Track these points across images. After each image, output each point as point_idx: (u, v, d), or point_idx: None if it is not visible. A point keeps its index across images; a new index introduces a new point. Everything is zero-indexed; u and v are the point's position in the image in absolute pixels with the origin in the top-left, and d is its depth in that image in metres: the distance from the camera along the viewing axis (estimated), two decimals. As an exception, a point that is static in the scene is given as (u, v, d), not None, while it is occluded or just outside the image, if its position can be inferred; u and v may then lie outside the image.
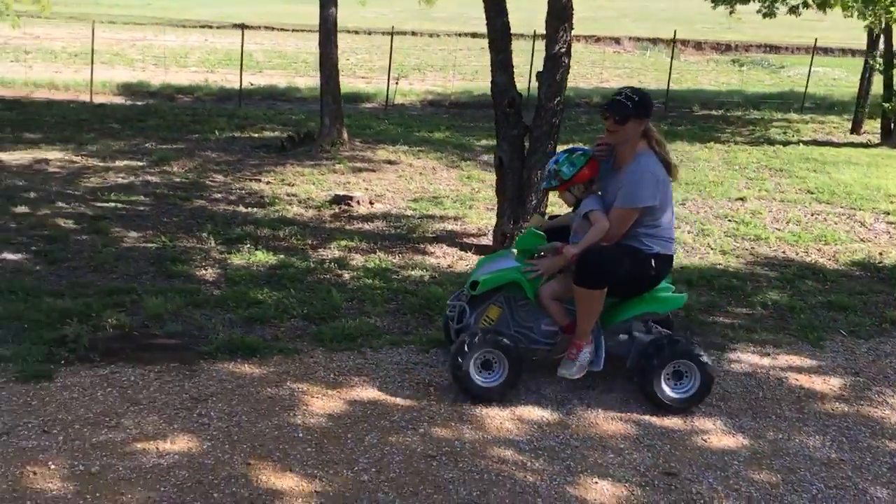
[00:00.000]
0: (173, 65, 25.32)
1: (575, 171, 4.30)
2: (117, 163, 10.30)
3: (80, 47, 29.30)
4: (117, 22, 44.64)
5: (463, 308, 4.51)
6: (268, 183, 9.50)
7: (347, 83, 21.50)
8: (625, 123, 4.16)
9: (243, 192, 9.02)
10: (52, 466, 3.50)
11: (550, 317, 4.36)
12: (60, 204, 7.96)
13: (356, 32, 42.64)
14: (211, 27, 50.49)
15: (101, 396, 4.16)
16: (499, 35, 6.91)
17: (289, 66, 27.67)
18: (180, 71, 23.56)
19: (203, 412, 4.03)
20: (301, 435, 3.86)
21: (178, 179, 9.48)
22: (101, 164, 10.21)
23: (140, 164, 10.31)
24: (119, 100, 17.68)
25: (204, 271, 6.25)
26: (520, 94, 6.94)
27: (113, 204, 8.12)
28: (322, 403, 4.18)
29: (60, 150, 11.00)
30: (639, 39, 40.17)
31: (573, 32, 6.84)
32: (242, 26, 21.54)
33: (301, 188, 9.30)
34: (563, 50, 6.76)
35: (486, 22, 6.98)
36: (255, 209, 8.22)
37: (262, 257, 6.61)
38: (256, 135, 12.97)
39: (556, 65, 6.77)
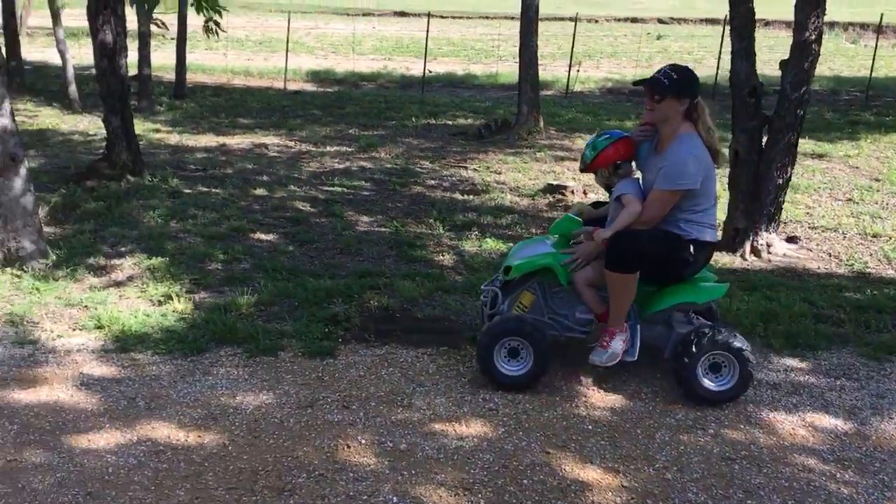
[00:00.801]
0: (351, 52, 26.17)
1: (595, 155, 4.19)
2: (328, 148, 10.76)
3: (260, 36, 30.87)
4: (286, 11, 46.77)
5: (496, 293, 4.38)
6: (475, 170, 9.62)
7: (515, 69, 21.55)
8: (661, 101, 3.98)
9: (454, 178, 9.17)
10: (363, 441, 3.67)
11: (585, 304, 4.21)
12: (292, 187, 8.40)
13: (513, 18, 42.63)
14: (373, 15, 51.90)
15: (386, 375, 4.33)
16: (743, 21, 6.64)
17: (458, 53, 27.97)
18: (359, 59, 24.30)
19: (486, 397, 4.12)
20: (590, 427, 3.86)
21: (388, 165, 9.77)
22: (314, 149, 10.70)
23: (349, 149, 10.72)
24: (309, 87, 18.43)
25: (441, 257, 6.40)
26: (761, 84, 6.65)
27: (338, 188, 8.47)
28: (600, 397, 4.17)
29: (274, 135, 11.62)
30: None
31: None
32: (429, 15, 21.88)
33: (508, 176, 9.36)
34: (814, 37, 6.42)
35: (729, 8, 6.74)
36: (470, 196, 8.34)
37: (493, 245, 6.69)
38: (450, 122, 13.18)
39: (804, 52, 6.44)
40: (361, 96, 16.15)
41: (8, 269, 5.61)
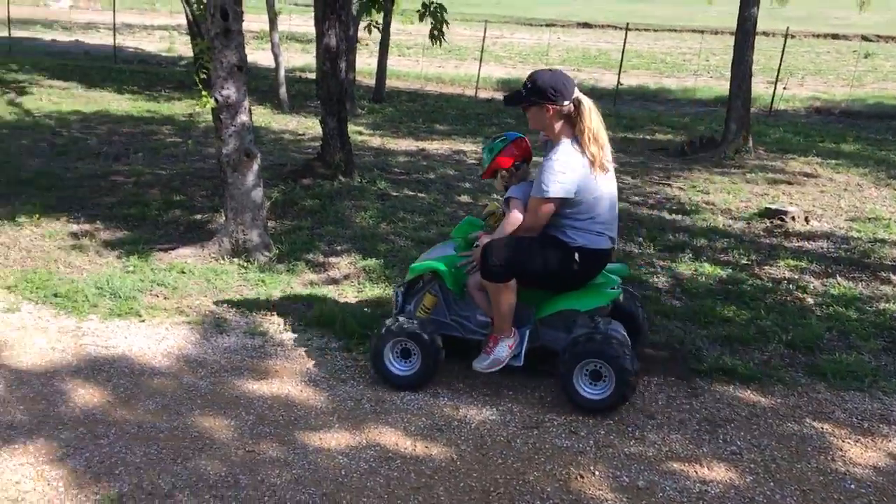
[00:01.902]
0: (539, 62, 26.09)
1: (492, 158, 4.13)
2: (526, 158, 10.63)
3: (448, 44, 31.44)
4: (472, 20, 47.47)
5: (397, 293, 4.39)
6: (680, 189, 9.17)
7: (713, 84, 20.58)
8: (528, 110, 3.89)
9: (659, 196, 8.77)
10: (596, 473, 3.45)
11: (479, 307, 4.10)
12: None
13: (702, 32, 40.98)
14: (557, 25, 51.67)
15: (612, 403, 4.09)
16: None
17: (648, 65, 27.22)
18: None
19: (726, 438, 3.78)
20: (853, 487, 3.44)
21: (589, 178, 9.50)
22: (512, 158, 10.61)
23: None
24: (500, 95, 18.45)
25: (655, 278, 6.07)
26: None
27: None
28: (858, 452, 3.73)
29: (472, 142, 11.66)
30: None
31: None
32: (626, 27, 21.39)
33: (717, 196, 8.84)
34: None
35: None
36: (679, 216, 7.93)
37: (709, 269, 6.28)
38: (649, 137, 12.73)
39: None
40: (554, 107, 15.97)
41: (235, 260, 5.85)
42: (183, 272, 5.58)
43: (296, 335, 4.73)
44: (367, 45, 23.51)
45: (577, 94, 3.86)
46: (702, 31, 41.26)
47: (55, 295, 5.06)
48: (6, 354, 4.24)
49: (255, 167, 5.93)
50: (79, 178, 8.14)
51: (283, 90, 14.17)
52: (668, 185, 9.36)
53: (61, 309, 4.87)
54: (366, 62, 20.30)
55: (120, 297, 5.06)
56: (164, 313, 4.91)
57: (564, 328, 4.15)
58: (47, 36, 27.55)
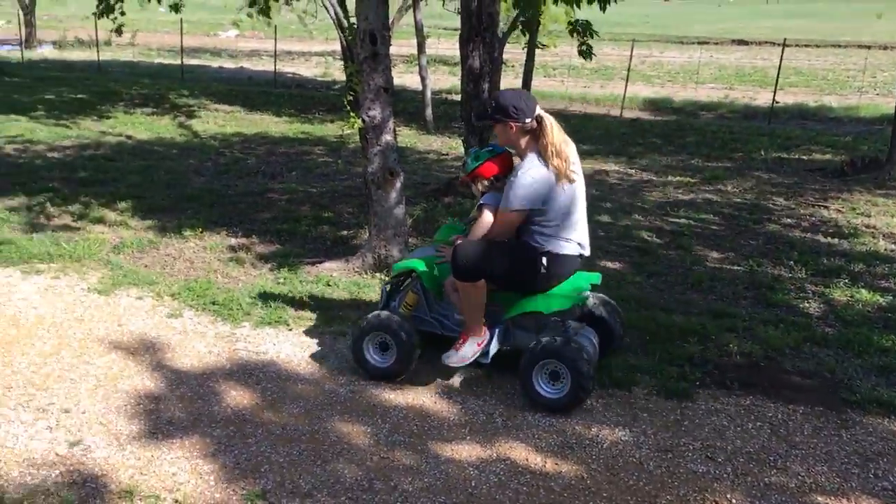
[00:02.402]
0: (689, 81, 25.41)
1: (476, 166, 4.29)
2: (671, 178, 10.39)
3: (596, 64, 31.12)
4: (620, 39, 46.85)
5: (385, 291, 4.66)
6: (838, 211, 8.67)
7: (879, 101, 19.30)
8: (494, 128, 4.14)
9: (814, 219, 8.33)
10: (734, 502, 3.34)
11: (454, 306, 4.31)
12: (636, 216, 8.19)
13: (867, 47, 38.53)
14: (710, 43, 50.09)
15: (753, 430, 3.94)
16: None
17: (808, 83, 25.88)
18: (698, 87, 23.48)
19: (878, 473, 3.56)
20: None
21: (737, 199, 9.17)
22: (656, 178, 10.41)
23: (693, 180, 10.26)
24: (646, 115, 18.12)
25: (806, 304, 5.78)
26: None
27: (684, 220, 8.10)
28: None
29: (614, 162, 11.53)
30: None
31: None
32: (783, 43, 20.53)
33: (879, 220, 8.29)
34: None
35: None
36: (836, 240, 7.50)
37: (868, 296, 5.90)
38: (805, 157, 12.12)
39: None
40: (703, 126, 15.50)
41: (378, 275, 6.07)
42: (329, 285, 5.84)
43: (431, 348, 4.84)
44: (512, 66, 23.74)
45: (538, 111, 4.08)
46: (868, 47, 38.84)
47: (213, 303, 5.42)
48: (168, 356, 4.59)
49: (399, 185, 6.14)
50: (238, 195, 8.68)
51: (429, 111, 14.54)
52: (825, 207, 8.88)
53: (218, 316, 5.22)
54: (511, 83, 20.49)
55: (271, 306, 5.37)
56: (311, 323, 5.16)
57: (535, 330, 4.34)
58: (215, 63, 29.54)
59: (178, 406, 4.02)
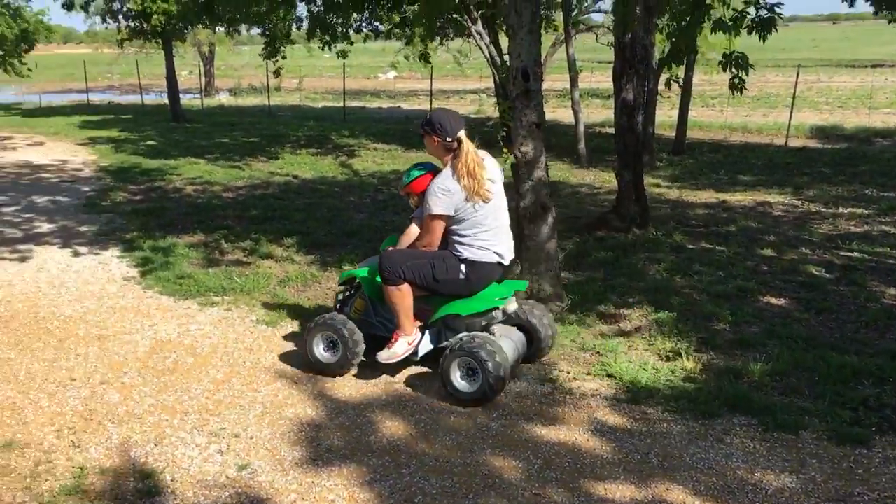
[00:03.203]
0: (861, 106, 23.91)
1: (409, 182, 4.82)
2: (841, 209, 9.79)
3: (758, 92, 29.88)
4: (785, 66, 44.76)
5: (336, 297, 5.26)
6: None
7: None
8: (423, 138, 4.66)
9: None
10: (916, 560, 3.07)
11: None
12: (803, 249, 7.77)
13: None
14: (884, 66, 46.90)
15: (939, 483, 3.61)
16: None
17: None
18: (871, 113, 22.04)
19: None
20: None
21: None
22: (825, 209, 9.84)
23: (867, 211, 9.62)
24: (813, 143, 17.18)
25: None
26: None
27: (857, 254, 7.60)
28: None
29: (778, 193, 11.00)
30: None
31: None
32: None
33: None
34: None
35: None
36: None
37: None
38: None
39: None
40: (877, 153, 14.53)
41: (529, 309, 6.07)
42: (481, 319, 5.90)
43: (584, 384, 4.79)
44: (668, 97, 23.24)
45: (461, 134, 4.56)
46: None
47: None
48: (329, 386, 4.79)
49: (550, 220, 6.14)
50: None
51: (581, 145, 14.48)
52: None
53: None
54: (667, 114, 20.07)
55: (425, 339, 5.48)
56: (463, 356, 5.23)
57: (464, 331, 4.75)
58: (374, 104, 30.83)
59: (337, 434, 4.18)
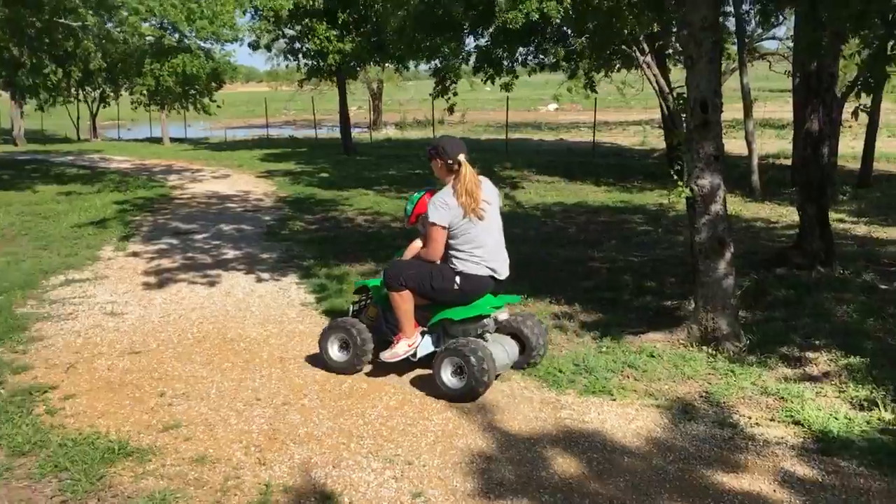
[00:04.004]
0: None
1: (412, 207, 5.44)
2: None
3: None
4: None
5: (352, 304, 5.86)
6: None
7: None
8: (430, 161, 5.26)
9: None
10: None
11: None
12: None
13: None
14: None
15: None
16: None
17: None
18: None
19: None
20: None
21: None
22: None
23: None
24: None
25: None
26: None
27: None
28: None
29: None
30: None
31: None
32: None
33: None
34: None
35: None
36: None
37: None
38: None
39: None
40: None
41: (704, 348, 5.83)
42: (652, 356, 5.73)
43: (767, 431, 4.52)
44: (849, 126, 21.85)
45: (460, 157, 5.09)
46: None
47: (538, 369, 5.57)
48: (498, 418, 4.79)
49: (728, 255, 5.89)
50: (560, 262, 8.91)
51: (755, 177, 13.86)
52: None
53: (543, 381, 5.35)
54: (848, 145, 18.86)
55: (594, 375, 5.39)
56: (634, 394, 5.09)
57: (461, 335, 5.20)
58: (536, 136, 30.96)
59: (508, 468, 4.16)
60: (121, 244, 10.37)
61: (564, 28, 15.28)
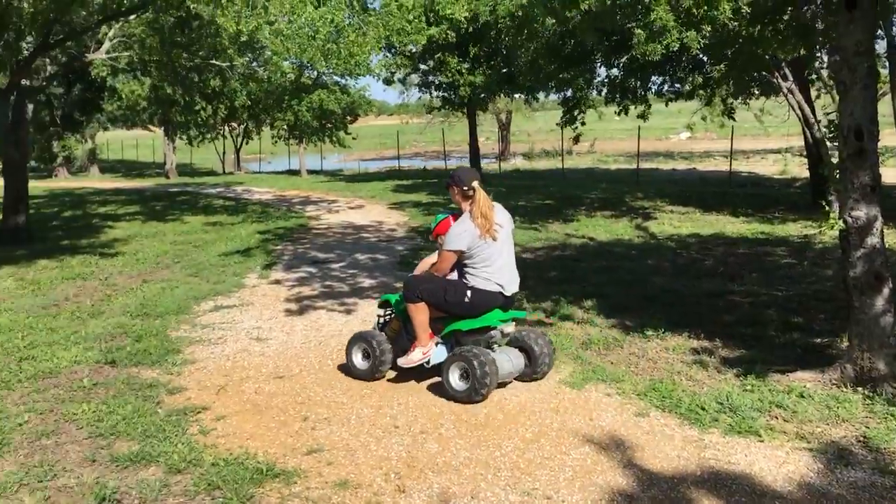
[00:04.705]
0: None
1: (434, 226, 6.06)
2: None
3: None
4: None
5: (379, 317, 6.46)
6: None
7: None
8: (448, 189, 5.87)
9: None
10: None
11: None
12: None
13: None
14: None
15: None
16: None
17: None
18: None
19: None
20: None
21: None
22: None
23: None
24: None
25: None
26: None
27: None
28: None
29: None
30: None
31: None
32: None
33: None
34: None
35: None
36: None
37: None
38: None
39: None
40: None
41: (860, 389, 5.49)
42: (802, 396, 5.44)
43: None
44: None
45: (474, 184, 5.69)
46: None
47: (679, 405, 5.41)
48: (638, 455, 4.67)
49: (886, 291, 5.54)
50: (697, 296, 8.64)
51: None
52: None
53: (685, 419, 5.18)
54: None
55: (739, 414, 5.17)
56: (784, 436, 4.84)
57: (472, 345, 5.74)
58: (667, 166, 30.28)
59: (651, 507, 4.04)
60: (264, 272, 10.87)
61: (701, 56, 14.95)
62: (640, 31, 12.76)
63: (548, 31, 15.00)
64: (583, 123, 20.41)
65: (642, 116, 18.67)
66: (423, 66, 23.63)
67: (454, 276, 5.86)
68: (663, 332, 7.15)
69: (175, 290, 9.61)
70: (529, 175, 29.51)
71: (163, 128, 37.48)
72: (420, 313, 5.77)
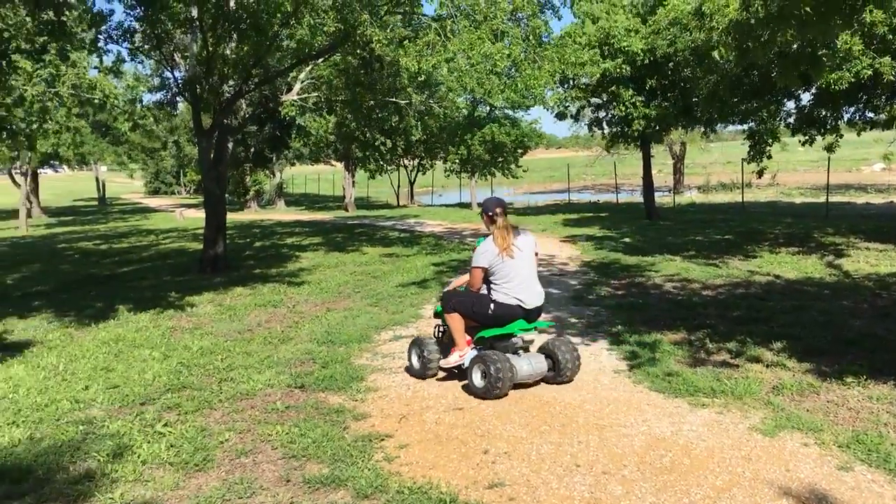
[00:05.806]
0: None
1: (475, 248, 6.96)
2: None
3: None
4: None
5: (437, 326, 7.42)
6: None
7: None
8: (481, 216, 6.88)
9: None
10: None
11: None
12: None
13: None
14: None
15: None
16: None
17: None
18: None
19: None
20: None
21: None
22: None
23: None
24: None
25: None
26: None
27: None
28: None
29: None
30: None
31: None
32: None
33: None
34: None
35: None
36: None
37: None
38: None
39: None
40: None
41: None
42: None
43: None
44: None
45: (497, 210, 6.72)
46: None
47: (887, 460, 4.97)
48: (843, 512, 4.33)
49: None
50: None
51: None
52: None
53: (894, 475, 4.75)
54: None
55: (960, 475, 4.67)
56: None
57: (502, 350, 6.65)
58: (861, 199, 28.21)
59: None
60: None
61: (899, 82, 13.89)
62: (823, 57, 12.01)
63: (730, 63, 14.47)
64: (769, 157, 19.45)
65: (829, 148, 17.53)
66: (595, 100, 23.45)
67: (484, 290, 6.78)
68: (865, 380, 6.62)
69: (357, 319, 10.01)
70: (706, 208, 28.43)
71: (343, 162, 39.44)
72: (455, 322, 6.80)
